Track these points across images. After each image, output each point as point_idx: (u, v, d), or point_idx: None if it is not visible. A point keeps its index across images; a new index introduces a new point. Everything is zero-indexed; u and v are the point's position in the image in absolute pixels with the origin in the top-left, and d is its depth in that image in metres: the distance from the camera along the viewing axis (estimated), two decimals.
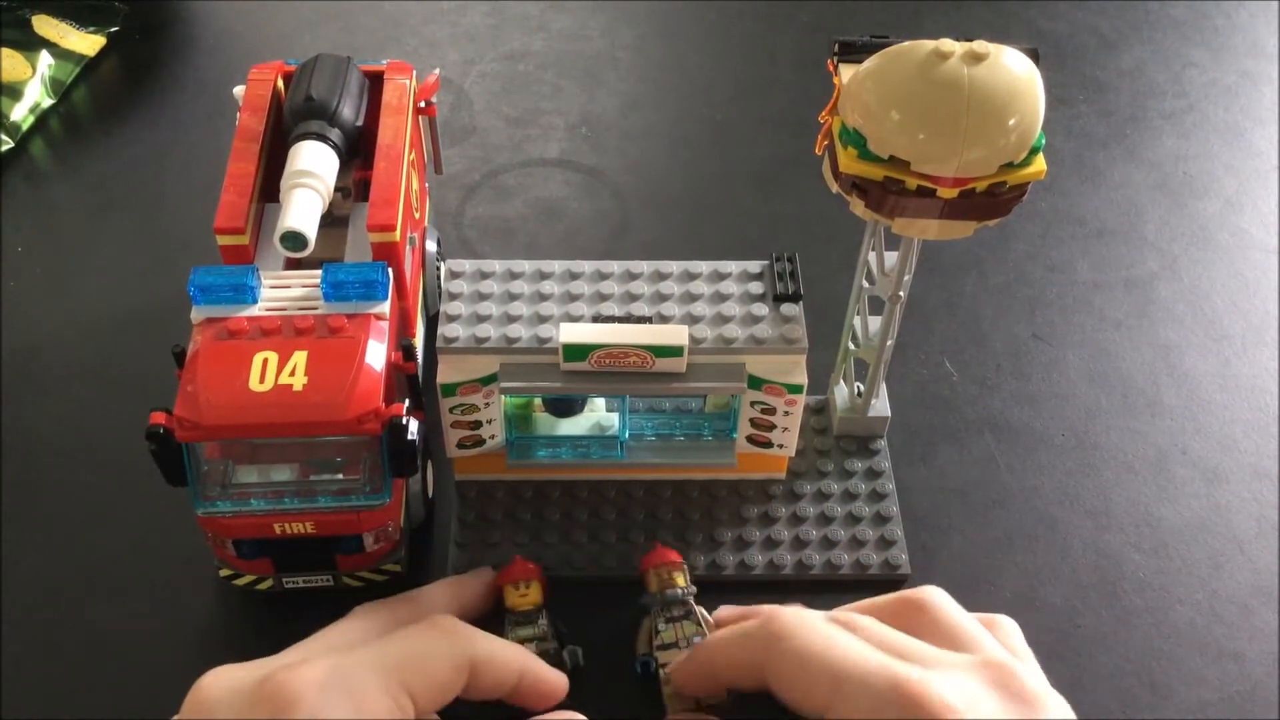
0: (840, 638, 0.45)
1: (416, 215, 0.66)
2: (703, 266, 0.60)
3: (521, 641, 0.54)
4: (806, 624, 0.46)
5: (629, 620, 0.56)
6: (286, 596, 0.58)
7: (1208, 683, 0.57)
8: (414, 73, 0.66)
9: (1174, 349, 0.71)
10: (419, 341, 0.64)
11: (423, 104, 0.66)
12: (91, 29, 0.88)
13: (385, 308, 0.54)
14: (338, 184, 0.60)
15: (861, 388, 0.64)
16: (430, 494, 0.61)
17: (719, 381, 0.57)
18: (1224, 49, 0.92)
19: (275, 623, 0.58)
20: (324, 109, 0.60)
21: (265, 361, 0.51)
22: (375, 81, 0.65)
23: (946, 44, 0.47)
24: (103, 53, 0.88)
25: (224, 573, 0.57)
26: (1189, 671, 0.57)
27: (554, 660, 0.53)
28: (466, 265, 0.59)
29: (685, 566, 0.56)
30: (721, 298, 0.58)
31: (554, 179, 0.81)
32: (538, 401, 0.61)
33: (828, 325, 0.66)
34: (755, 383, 0.57)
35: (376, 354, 0.52)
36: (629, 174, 0.81)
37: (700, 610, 0.55)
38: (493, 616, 0.55)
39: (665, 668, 0.53)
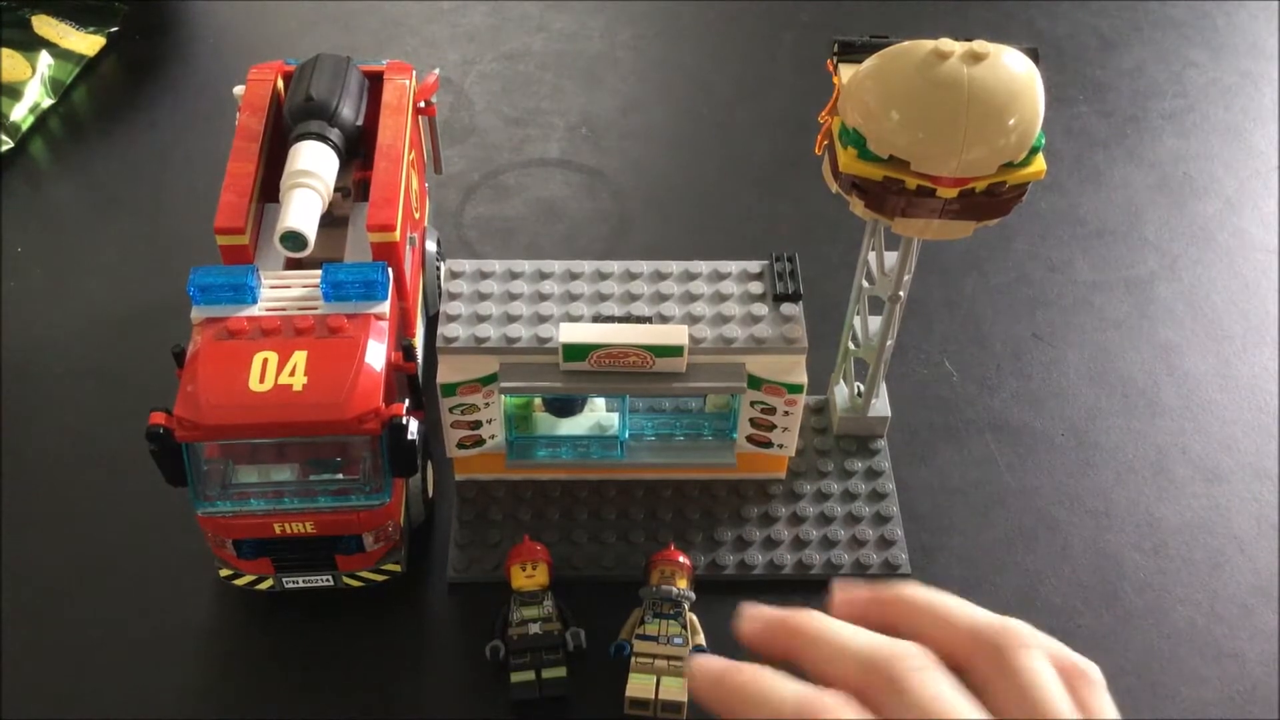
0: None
1: (416, 215, 0.66)
2: (702, 266, 0.60)
3: (526, 621, 0.54)
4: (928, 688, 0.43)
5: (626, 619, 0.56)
6: (286, 596, 0.58)
7: (1208, 683, 0.57)
8: (414, 73, 0.66)
9: (1174, 349, 0.71)
10: (419, 341, 0.64)
11: (422, 104, 0.66)
12: (91, 29, 0.88)
13: (385, 308, 0.54)
14: (338, 184, 0.60)
15: (861, 388, 0.64)
16: (430, 494, 0.61)
17: (719, 381, 0.57)
18: (1224, 49, 0.92)
19: (275, 623, 0.58)
20: (324, 109, 0.60)
21: (265, 361, 0.51)
22: (375, 81, 0.65)
23: (946, 44, 0.47)
24: (103, 53, 0.88)
25: (224, 573, 0.57)
26: (1189, 671, 0.57)
27: (558, 640, 0.55)
28: (466, 265, 0.59)
29: (692, 573, 0.57)
30: (721, 298, 0.58)
31: (554, 179, 0.81)
32: (538, 401, 0.61)
33: (828, 325, 0.66)
34: (755, 382, 0.57)
35: (376, 354, 0.52)
36: (629, 174, 0.81)
37: (691, 616, 0.55)
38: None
39: (638, 657, 0.54)
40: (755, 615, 0.49)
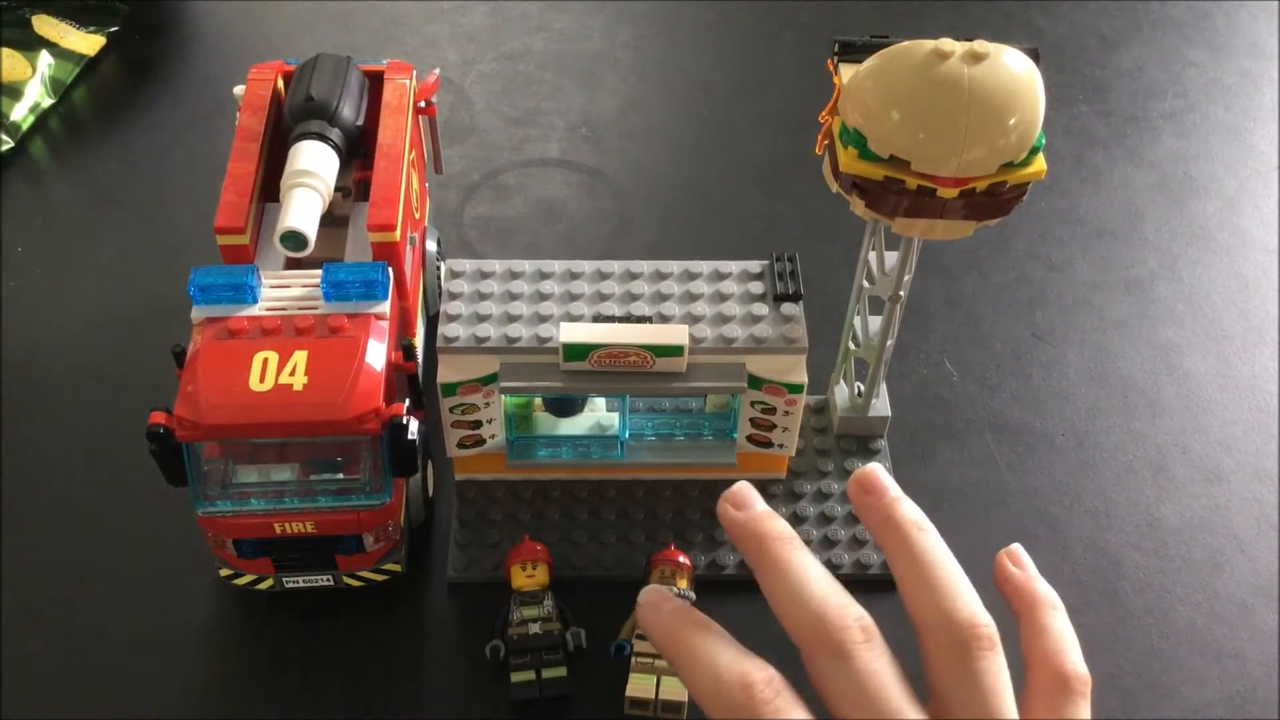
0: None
1: (416, 215, 0.66)
2: (703, 266, 0.60)
3: (526, 621, 0.55)
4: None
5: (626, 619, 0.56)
6: (286, 596, 0.58)
7: (1208, 683, 0.57)
8: (414, 73, 0.66)
9: (1174, 349, 0.71)
10: (419, 341, 0.64)
11: (423, 104, 0.66)
12: (91, 29, 0.88)
13: (385, 307, 0.54)
14: (338, 184, 0.60)
15: (862, 388, 0.64)
16: (430, 494, 0.61)
17: (719, 381, 0.57)
18: (1224, 49, 0.92)
19: (275, 623, 0.58)
20: (324, 109, 0.60)
21: (265, 361, 0.51)
22: (375, 81, 0.65)
23: (946, 44, 0.47)
24: (103, 53, 0.88)
25: (224, 573, 0.57)
26: (1189, 671, 0.57)
27: (558, 640, 0.55)
28: (467, 265, 0.59)
29: (692, 573, 0.57)
30: (722, 297, 0.58)
31: (554, 179, 0.81)
32: (538, 401, 0.61)
33: (828, 325, 0.66)
34: (755, 382, 0.57)
35: (376, 354, 0.52)
36: (629, 174, 0.81)
37: None
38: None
39: (638, 657, 0.54)
40: (739, 502, 0.48)
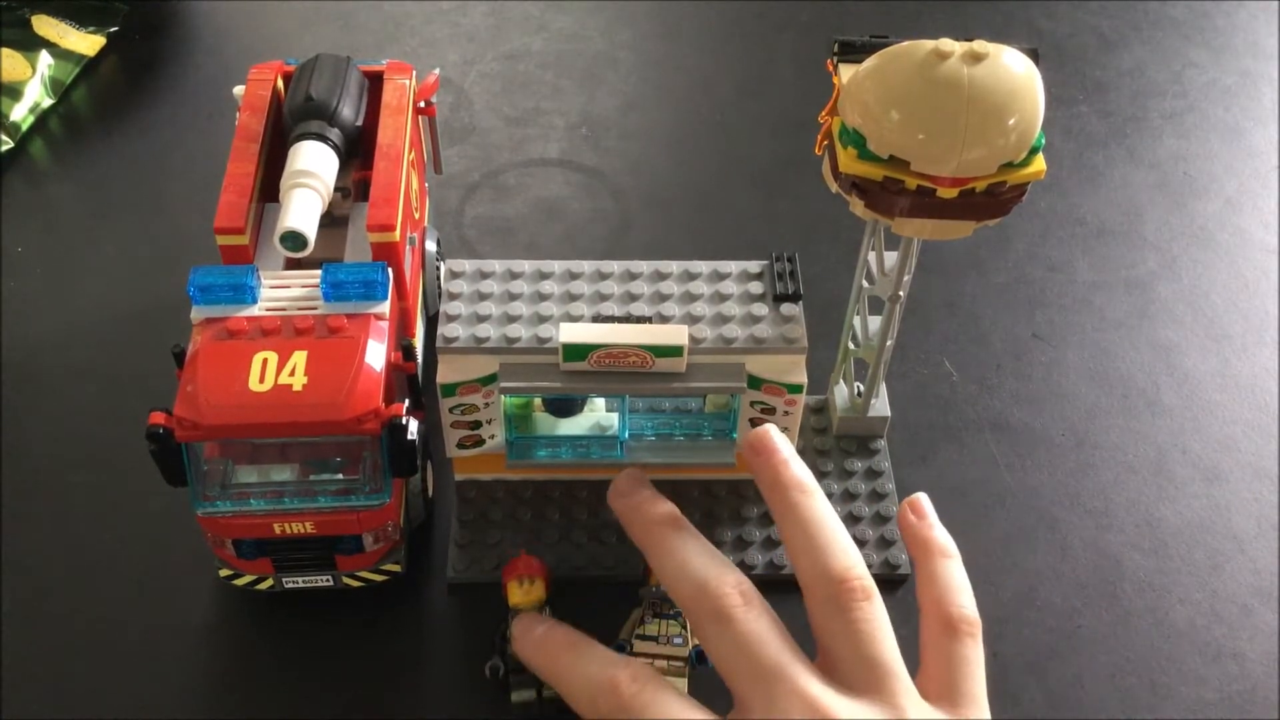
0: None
1: (416, 215, 0.66)
2: (702, 266, 0.60)
3: None
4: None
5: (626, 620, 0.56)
6: (286, 596, 0.58)
7: (1208, 683, 0.57)
8: (414, 73, 0.66)
9: (1174, 349, 0.71)
10: (419, 341, 0.64)
11: (422, 104, 0.66)
12: (91, 29, 0.88)
13: (385, 308, 0.54)
14: (337, 184, 0.60)
15: (861, 388, 0.64)
16: (430, 494, 0.61)
17: (719, 381, 0.57)
18: (1224, 49, 0.92)
19: (275, 623, 0.58)
20: (324, 109, 0.60)
21: (265, 361, 0.51)
22: (375, 81, 0.65)
23: (946, 44, 0.47)
24: (103, 53, 0.88)
25: (224, 573, 0.57)
26: (1189, 671, 0.57)
27: None
28: (466, 265, 0.59)
29: None
30: (721, 297, 0.58)
31: (554, 179, 0.81)
32: (538, 401, 0.61)
33: (828, 325, 0.66)
34: (755, 382, 0.57)
35: (376, 354, 0.52)
36: (629, 174, 0.81)
37: None
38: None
39: (637, 657, 0.53)
40: (622, 491, 0.52)
